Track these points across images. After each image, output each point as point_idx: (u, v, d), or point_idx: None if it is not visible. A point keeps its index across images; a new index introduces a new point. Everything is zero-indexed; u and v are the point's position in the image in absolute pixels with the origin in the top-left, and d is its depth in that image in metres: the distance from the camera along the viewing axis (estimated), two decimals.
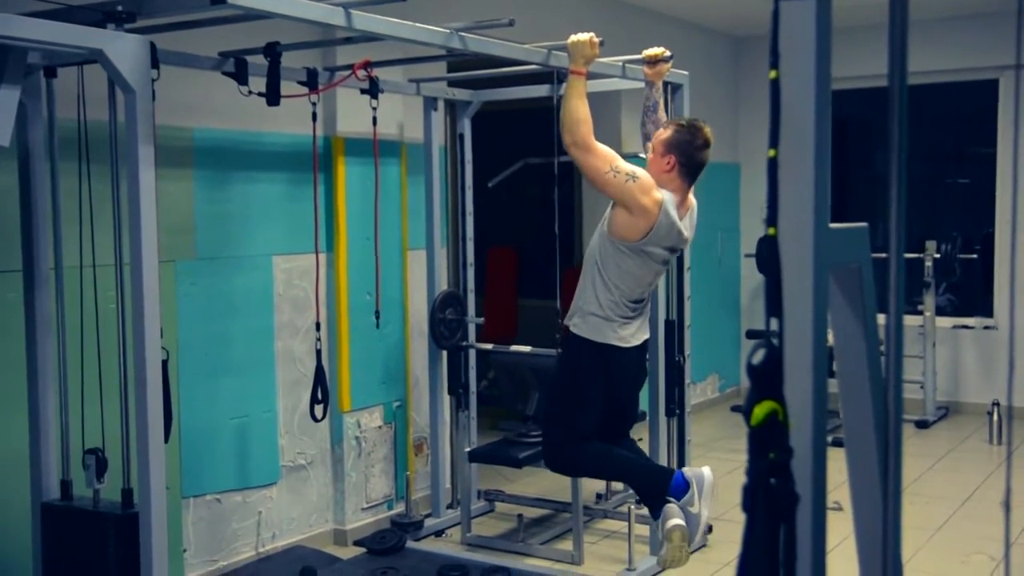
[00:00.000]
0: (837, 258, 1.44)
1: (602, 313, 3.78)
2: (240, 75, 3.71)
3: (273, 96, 3.70)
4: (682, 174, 3.76)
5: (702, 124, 3.82)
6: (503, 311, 7.21)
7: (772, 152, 1.18)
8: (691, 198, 3.88)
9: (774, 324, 1.22)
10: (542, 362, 4.79)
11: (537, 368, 4.90)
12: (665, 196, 3.71)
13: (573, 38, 3.75)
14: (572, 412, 3.87)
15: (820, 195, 1.21)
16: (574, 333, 3.85)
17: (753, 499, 1.17)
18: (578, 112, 3.64)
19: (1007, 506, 1.80)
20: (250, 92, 3.70)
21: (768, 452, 1.16)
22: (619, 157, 3.70)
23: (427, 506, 5.15)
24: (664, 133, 3.81)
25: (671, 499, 3.74)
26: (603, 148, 3.68)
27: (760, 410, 1.16)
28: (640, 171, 3.71)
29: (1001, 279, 7.44)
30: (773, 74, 1.17)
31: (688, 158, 3.75)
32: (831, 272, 1.40)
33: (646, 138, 4.10)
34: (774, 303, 1.21)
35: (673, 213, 3.72)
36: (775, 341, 1.21)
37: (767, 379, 1.17)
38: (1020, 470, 5.85)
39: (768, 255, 1.19)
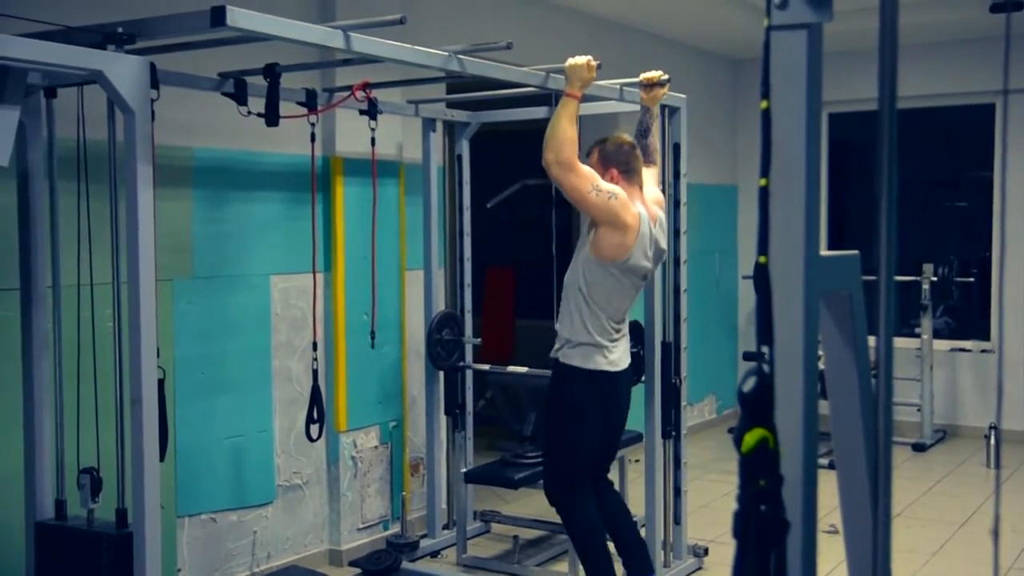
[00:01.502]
0: (828, 286, 1.45)
1: (591, 340, 3.81)
2: (239, 96, 3.73)
3: (272, 117, 3.71)
4: (628, 181, 3.87)
5: (614, 134, 4.04)
6: (500, 331, 7.22)
7: (763, 181, 1.20)
8: (657, 210, 3.97)
9: (765, 350, 1.23)
10: (539, 382, 4.78)
11: (534, 388, 4.89)
12: (640, 209, 3.82)
13: (571, 61, 3.78)
14: (573, 446, 3.91)
15: (811, 224, 1.22)
16: (564, 363, 3.86)
17: (743, 526, 1.17)
18: (565, 133, 3.66)
19: (995, 534, 1.79)
20: (249, 112, 3.72)
21: (758, 479, 1.16)
22: (599, 177, 3.75)
23: (423, 527, 5.13)
24: (591, 160, 3.92)
25: None
26: (585, 168, 3.73)
27: (750, 437, 1.17)
28: (617, 189, 3.78)
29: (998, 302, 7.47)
30: (764, 104, 1.18)
31: (625, 164, 3.89)
32: (822, 299, 1.41)
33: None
34: (765, 330, 1.22)
35: (649, 225, 3.85)
36: (766, 368, 1.21)
37: (757, 406, 1.18)
38: (1015, 495, 5.84)
39: (759, 283, 1.20)
